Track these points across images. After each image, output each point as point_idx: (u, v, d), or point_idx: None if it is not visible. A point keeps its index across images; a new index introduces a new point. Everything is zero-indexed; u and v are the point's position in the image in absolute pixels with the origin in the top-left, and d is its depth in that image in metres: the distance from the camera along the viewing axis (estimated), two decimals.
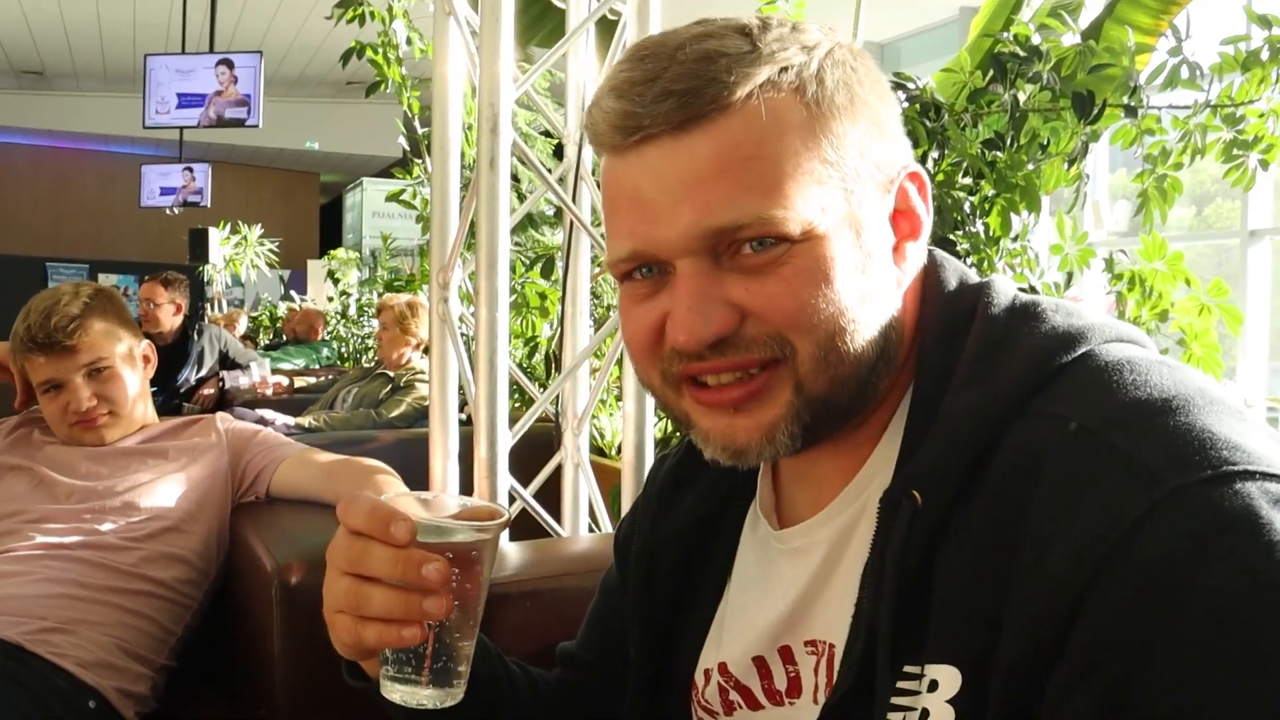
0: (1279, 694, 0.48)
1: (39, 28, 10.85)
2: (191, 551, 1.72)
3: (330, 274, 8.49)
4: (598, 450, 2.79)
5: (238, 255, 9.57)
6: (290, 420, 3.64)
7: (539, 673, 0.96)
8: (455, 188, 1.74)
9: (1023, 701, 0.56)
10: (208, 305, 9.50)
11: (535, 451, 1.83)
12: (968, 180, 1.84)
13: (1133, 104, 1.84)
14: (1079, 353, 0.63)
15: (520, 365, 3.06)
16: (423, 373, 3.86)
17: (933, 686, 0.60)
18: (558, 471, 1.80)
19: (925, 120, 1.80)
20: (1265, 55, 1.79)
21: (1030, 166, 1.83)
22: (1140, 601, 0.51)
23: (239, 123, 7.47)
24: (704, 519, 0.85)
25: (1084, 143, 1.83)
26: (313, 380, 5.14)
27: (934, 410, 0.65)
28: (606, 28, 1.97)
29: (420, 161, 3.66)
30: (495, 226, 1.56)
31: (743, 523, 0.83)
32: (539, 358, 3.08)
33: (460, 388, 1.76)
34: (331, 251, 9.03)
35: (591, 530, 1.83)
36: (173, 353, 4.64)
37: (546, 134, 3.54)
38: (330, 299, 8.32)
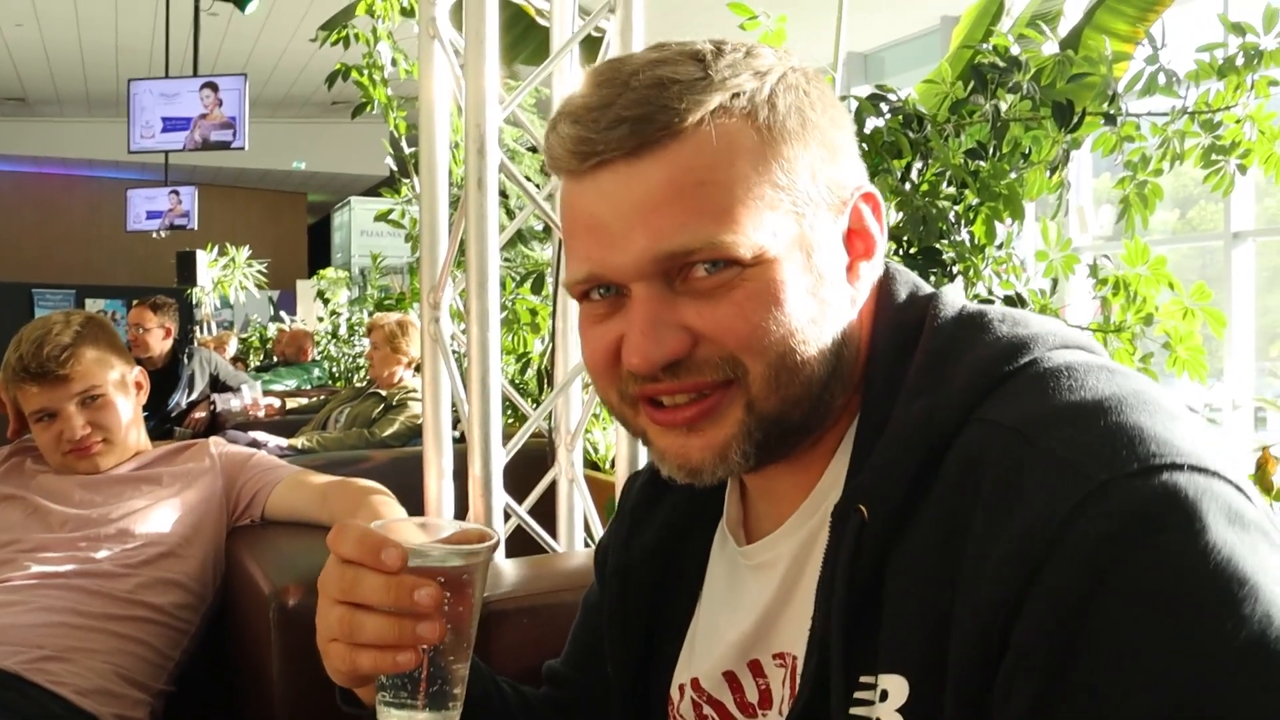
0: (1196, 677, 0.49)
1: (20, 53, 10.84)
2: (188, 576, 1.72)
3: (320, 294, 8.48)
4: (592, 465, 2.79)
5: (226, 277, 9.55)
6: (283, 442, 3.64)
7: (530, 690, 0.97)
8: (444, 207, 1.76)
9: (976, 705, 0.57)
10: (197, 328, 9.47)
11: (529, 468, 1.84)
12: (951, 190, 1.86)
13: (1112, 111, 1.86)
14: (1023, 361, 0.64)
15: (512, 381, 3.07)
16: (415, 391, 3.86)
17: (884, 696, 0.61)
18: (552, 487, 1.81)
19: (908, 131, 1.82)
20: (1240, 61, 1.81)
21: (1013, 175, 1.85)
22: (1071, 589, 0.53)
23: (225, 145, 7.49)
24: (674, 536, 0.86)
25: (1065, 150, 1.85)
26: (305, 401, 5.14)
27: (883, 423, 0.66)
28: (591, 45, 1.99)
29: (408, 181, 3.67)
30: (485, 246, 1.57)
31: (712, 539, 0.84)
32: (531, 373, 3.09)
33: (453, 405, 1.77)
34: (320, 271, 9.03)
35: (587, 545, 1.84)
36: (163, 377, 4.63)
37: (533, 149, 3.55)
38: (320, 319, 8.30)
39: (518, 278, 3.35)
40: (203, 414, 4.69)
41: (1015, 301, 1.86)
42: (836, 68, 2.48)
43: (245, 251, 9.63)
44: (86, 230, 14.92)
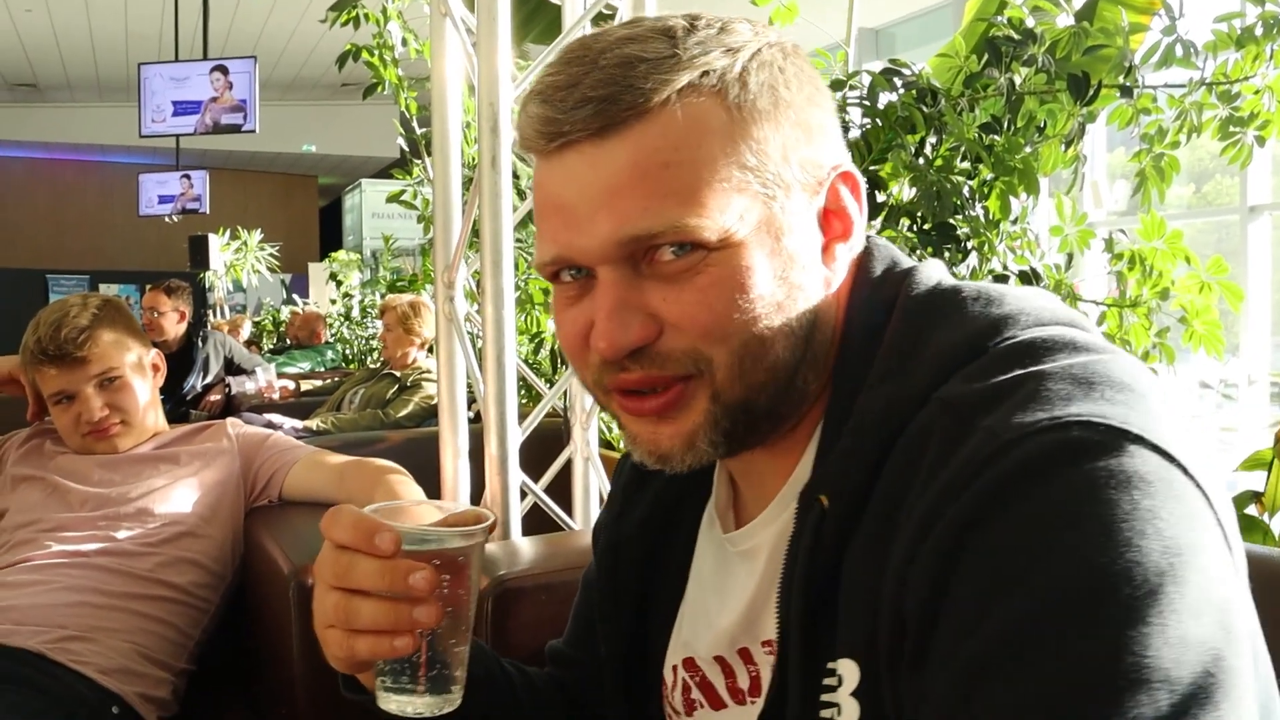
0: (1034, 613, 0.49)
1: (30, 39, 10.84)
2: (207, 556, 1.74)
3: (332, 276, 8.50)
4: (606, 444, 2.79)
5: (238, 261, 9.57)
6: (298, 423, 3.65)
7: (534, 671, 0.97)
8: (457, 187, 1.76)
9: (898, 676, 0.56)
10: (210, 312, 9.51)
11: (545, 446, 1.84)
12: (966, 164, 1.85)
13: (1128, 84, 1.85)
14: (993, 342, 0.62)
15: (526, 361, 3.07)
16: (429, 372, 3.87)
17: (841, 682, 0.62)
18: (568, 465, 1.82)
19: (922, 106, 1.81)
20: (1259, 31, 1.79)
21: (1028, 149, 1.84)
22: (956, 531, 0.53)
23: (235, 128, 7.48)
24: (664, 513, 0.85)
25: (1080, 124, 1.84)
26: (319, 383, 5.16)
27: (851, 408, 0.65)
28: (602, 22, 1.98)
29: (419, 162, 3.66)
30: (499, 225, 1.57)
31: (700, 519, 0.84)
32: (545, 353, 3.09)
33: (469, 386, 1.78)
34: (332, 254, 9.03)
35: None
36: (178, 361, 4.65)
37: None
38: (333, 301, 8.32)
39: (530, 258, 3.35)
40: (218, 397, 4.71)
41: (1030, 276, 1.85)
42: (849, 43, 2.46)
43: (257, 235, 9.65)
44: (99, 216, 14.97)
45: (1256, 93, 1.84)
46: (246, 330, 8.51)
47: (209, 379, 4.89)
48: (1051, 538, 0.50)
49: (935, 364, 0.62)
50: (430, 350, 4.01)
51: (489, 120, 1.56)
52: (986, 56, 1.85)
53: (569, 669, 0.98)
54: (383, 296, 5.64)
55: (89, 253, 14.67)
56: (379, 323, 4.52)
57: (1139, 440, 0.52)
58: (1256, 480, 1.58)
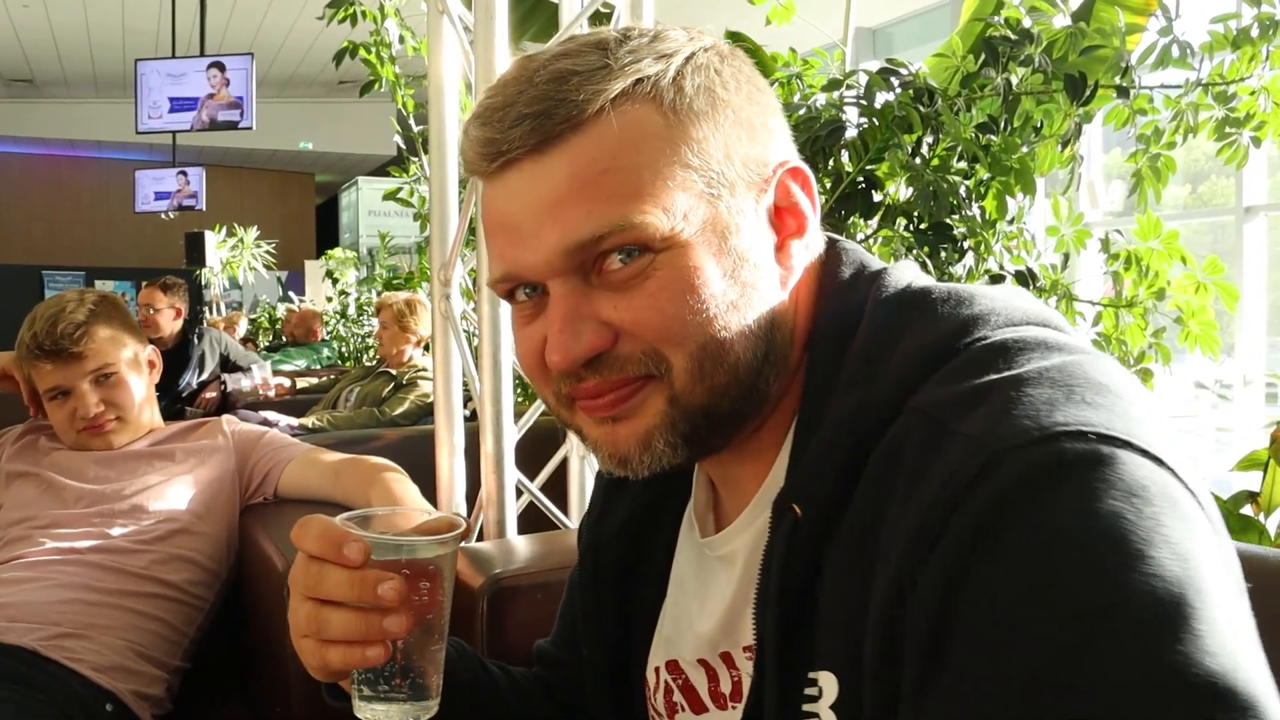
0: (1054, 638, 0.47)
1: (26, 35, 10.82)
2: (202, 553, 1.74)
3: (328, 274, 8.49)
4: None
5: (234, 258, 9.56)
6: (294, 421, 3.65)
7: (519, 671, 0.97)
8: (453, 185, 1.75)
9: (887, 694, 0.55)
10: (206, 309, 9.50)
11: (541, 445, 1.84)
12: (963, 164, 1.85)
13: (1124, 84, 1.85)
14: (964, 342, 0.61)
15: None
16: (425, 370, 3.87)
17: (821, 694, 0.61)
18: (564, 464, 1.82)
19: (919, 106, 1.81)
20: (1255, 32, 1.80)
21: (1024, 149, 1.84)
22: (955, 560, 0.51)
23: (232, 125, 7.47)
24: (644, 515, 0.85)
25: (1077, 124, 1.84)
26: (314, 381, 5.15)
27: (823, 413, 0.64)
28: (600, 20, 1.98)
29: (416, 159, 3.66)
30: None
31: (681, 522, 0.83)
32: None
33: (464, 384, 1.77)
34: (329, 251, 9.03)
35: None
36: (173, 357, 4.64)
37: None
38: (329, 299, 8.31)
39: None
40: (213, 394, 4.71)
41: (1026, 276, 1.85)
42: (846, 43, 2.46)
43: (254, 232, 9.64)
44: (95, 212, 14.95)
45: (1252, 94, 1.84)
46: (242, 327, 8.49)
47: (204, 376, 4.88)
48: (1063, 564, 0.48)
49: (905, 367, 0.61)
50: (426, 348, 4.01)
51: None
52: (983, 56, 1.85)
53: (555, 669, 0.97)
54: (379, 294, 5.64)
55: (85, 249, 14.65)
56: (375, 320, 4.51)
57: (1127, 445, 0.51)
58: (1252, 480, 1.59)
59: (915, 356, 0.62)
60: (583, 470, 1.77)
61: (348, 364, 6.85)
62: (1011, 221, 1.88)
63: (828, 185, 1.85)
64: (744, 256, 0.66)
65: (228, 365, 5.01)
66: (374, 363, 4.39)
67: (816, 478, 0.62)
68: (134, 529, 1.69)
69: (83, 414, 1.76)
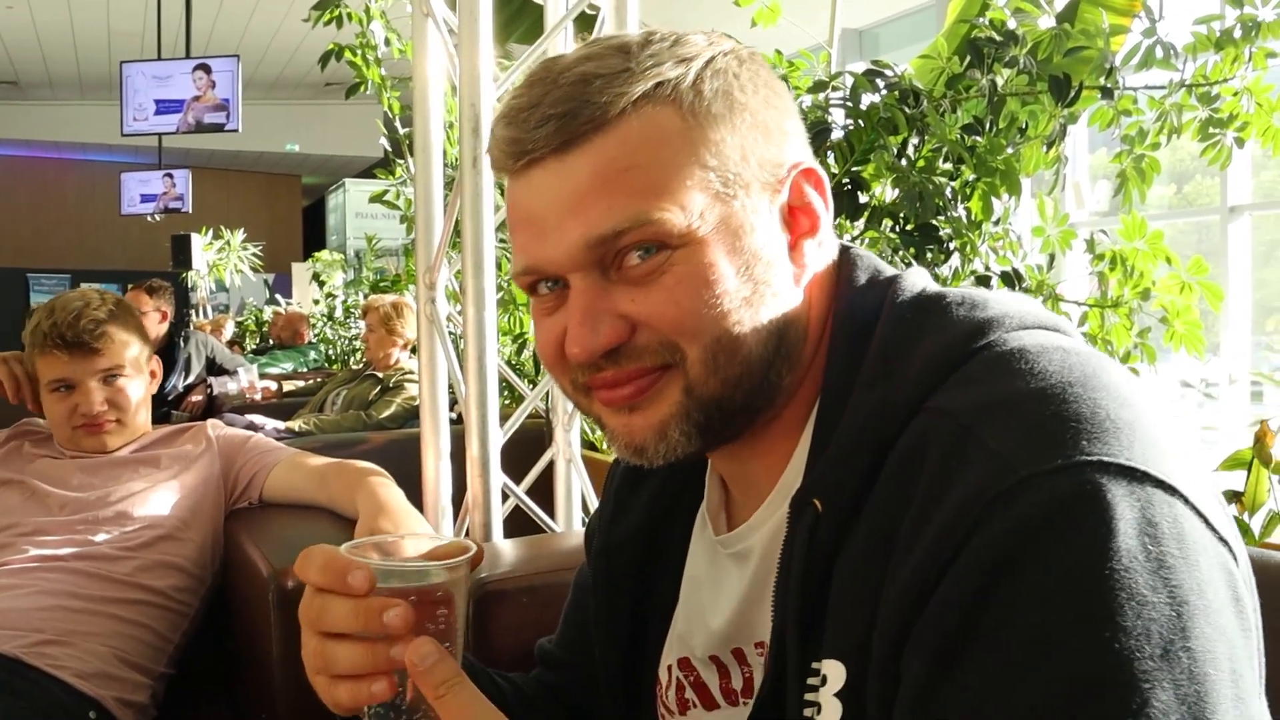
0: (1061, 680, 0.50)
1: (10, 36, 10.76)
2: (186, 559, 1.72)
3: (315, 276, 8.46)
4: (589, 445, 2.79)
5: (221, 260, 9.52)
6: (280, 424, 3.64)
7: (521, 678, 0.97)
8: (439, 187, 1.75)
9: (893, 691, 0.57)
10: (192, 312, 9.45)
11: (527, 448, 1.84)
12: (948, 165, 1.85)
13: (1109, 85, 1.85)
14: (979, 345, 0.63)
15: (509, 362, 3.07)
16: (411, 373, 3.86)
17: (825, 681, 0.62)
18: (550, 467, 1.81)
19: (905, 107, 1.81)
20: (1238, 34, 1.80)
21: (1010, 150, 1.84)
22: (973, 580, 0.53)
23: (218, 127, 7.45)
24: (657, 518, 0.86)
25: (1062, 125, 1.84)
26: (301, 384, 5.13)
27: (841, 412, 0.66)
28: (585, 23, 1.98)
29: (402, 162, 3.65)
30: (480, 226, 1.56)
31: (694, 522, 0.84)
32: (527, 354, 3.08)
33: (450, 387, 1.77)
34: (316, 254, 8.99)
35: (585, 524, 1.84)
36: (159, 361, 4.62)
37: None
38: (316, 301, 8.28)
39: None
40: (199, 397, 4.69)
41: (1012, 277, 1.86)
42: (832, 44, 2.46)
43: (240, 235, 9.60)
44: (81, 214, 14.86)
45: (1235, 94, 1.85)
46: (229, 330, 8.46)
47: (191, 379, 4.86)
48: (1069, 604, 0.51)
49: (924, 368, 0.63)
50: (413, 351, 3.99)
51: (470, 121, 1.55)
52: (969, 58, 1.85)
53: (560, 671, 0.97)
54: (366, 297, 5.62)
55: (70, 252, 14.56)
56: (362, 323, 4.50)
57: (1145, 478, 0.53)
58: (1237, 480, 1.59)
59: (933, 357, 0.63)
60: (569, 474, 1.77)
61: (335, 367, 6.83)
62: (997, 222, 1.88)
63: None
64: (758, 254, 0.68)
65: (214, 368, 4.99)
66: (360, 366, 4.37)
67: (840, 473, 0.64)
68: (118, 535, 1.68)
69: (85, 410, 1.76)
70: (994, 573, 0.53)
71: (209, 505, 1.79)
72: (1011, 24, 1.86)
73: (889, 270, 0.74)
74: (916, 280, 0.71)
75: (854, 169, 1.82)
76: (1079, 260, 1.99)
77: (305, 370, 6.57)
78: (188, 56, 7.76)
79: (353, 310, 7.31)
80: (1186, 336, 1.82)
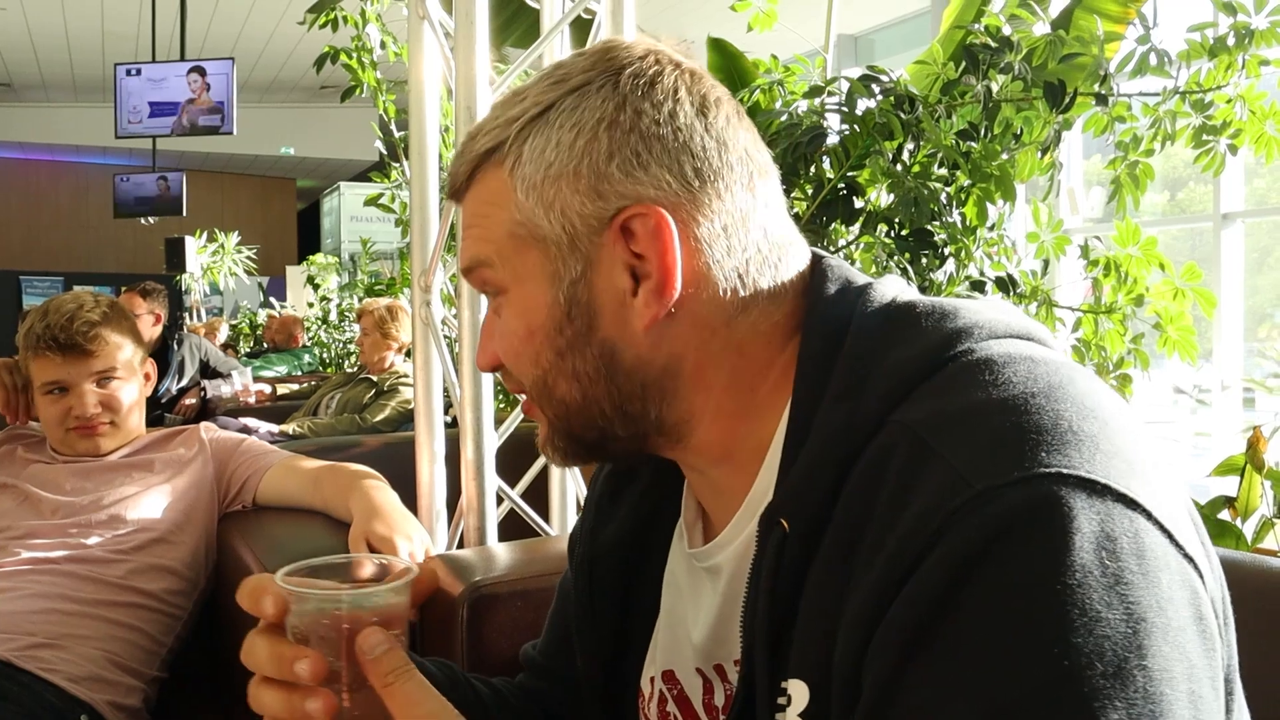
0: (1005, 694, 0.49)
1: (4, 38, 10.73)
2: (179, 562, 1.72)
3: (310, 279, 8.45)
4: None
5: (215, 263, 9.49)
6: (274, 428, 3.63)
7: (504, 684, 0.97)
8: (434, 191, 1.75)
9: (855, 705, 0.57)
10: (187, 315, 9.43)
11: (522, 452, 1.83)
12: (943, 171, 1.86)
13: (1103, 92, 1.86)
14: (948, 355, 0.62)
15: None
16: (406, 376, 3.85)
17: (790, 701, 0.62)
18: (545, 471, 1.81)
19: (900, 112, 1.81)
20: (1231, 41, 1.81)
21: (1004, 156, 1.85)
22: (931, 595, 0.52)
23: (213, 130, 7.43)
24: (639, 528, 0.85)
25: (1056, 131, 1.85)
26: (295, 387, 5.12)
27: (810, 424, 0.65)
28: (581, 27, 1.98)
29: (398, 165, 3.65)
30: None
31: (673, 532, 0.84)
32: None
33: (445, 390, 1.77)
34: (310, 257, 8.98)
35: None
36: (153, 363, 4.61)
37: None
38: (310, 305, 8.27)
39: None
40: (193, 400, 4.67)
41: (1006, 282, 1.86)
42: (828, 49, 2.46)
43: (234, 237, 9.58)
44: (74, 217, 14.83)
45: (1229, 101, 1.85)
46: (223, 333, 8.44)
47: (184, 382, 4.85)
48: (1021, 618, 0.50)
49: (891, 381, 0.62)
50: (408, 354, 3.99)
51: (466, 123, 1.55)
52: (964, 64, 1.85)
53: (543, 677, 0.97)
54: (360, 300, 5.61)
55: (63, 254, 14.53)
56: (356, 327, 4.49)
57: (1105, 492, 0.52)
58: (1229, 485, 1.60)
59: (900, 370, 0.62)
60: (564, 478, 1.77)
61: (329, 370, 6.81)
62: (992, 228, 1.89)
63: (809, 191, 1.86)
64: (584, 304, 0.69)
65: (208, 371, 4.98)
66: (355, 369, 4.37)
67: (804, 492, 0.63)
68: (111, 538, 1.67)
69: (79, 413, 1.76)
70: (949, 586, 0.52)
71: (202, 508, 1.78)
72: (1006, 30, 1.86)
73: (861, 279, 0.72)
74: (887, 290, 0.70)
75: (849, 174, 1.83)
76: (1073, 266, 1.99)
77: (299, 374, 6.55)
78: (182, 59, 7.75)
79: (347, 314, 7.31)
80: (1180, 343, 1.83)
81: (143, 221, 9.68)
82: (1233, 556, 0.95)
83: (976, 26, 1.89)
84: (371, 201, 4.07)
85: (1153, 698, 0.49)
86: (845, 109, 1.85)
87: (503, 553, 1.46)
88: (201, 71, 7.46)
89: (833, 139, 1.86)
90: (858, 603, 0.56)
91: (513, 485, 1.72)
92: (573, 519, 1.82)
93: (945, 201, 1.84)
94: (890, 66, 1.93)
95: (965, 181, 1.84)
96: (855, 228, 1.88)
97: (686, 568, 0.80)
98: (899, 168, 1.82)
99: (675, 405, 0.71)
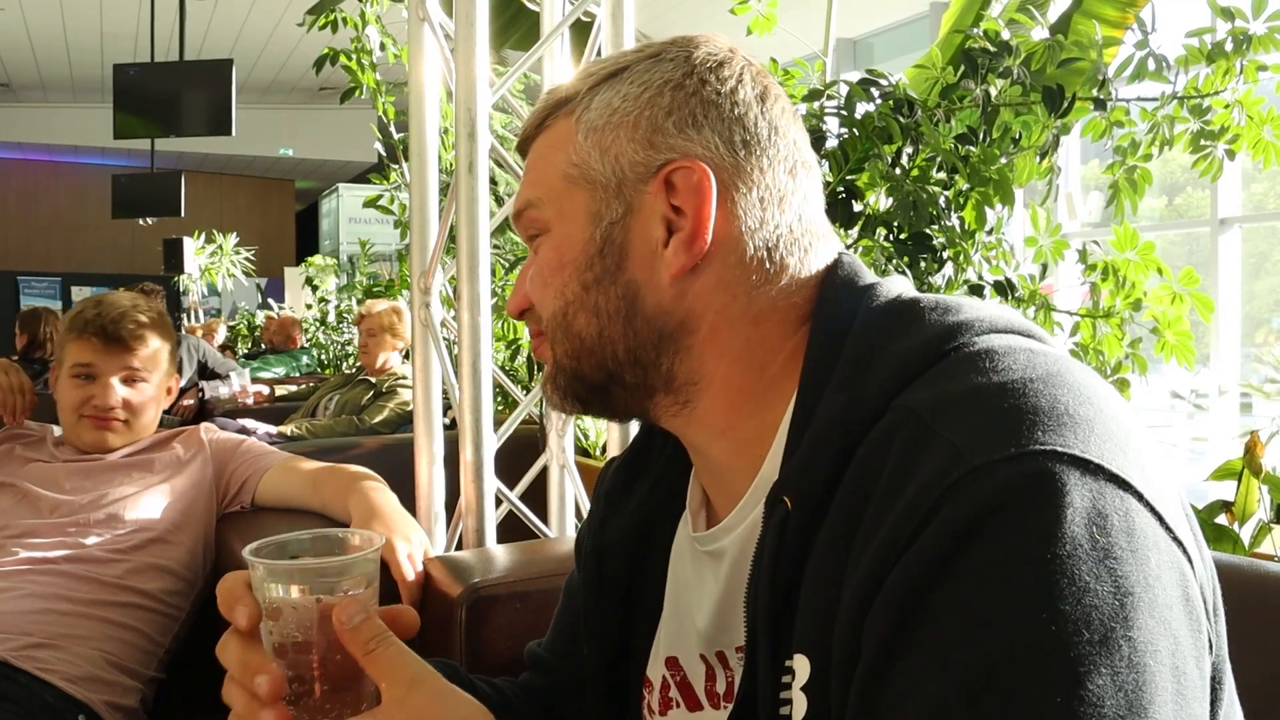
0: (991, 662, 0.51)
1: (2, 39, 10.73)
2: (178, 562, 1.72)
3: (308, 281, 8.44)
4: (582, 451, 2.79)
5: (213, 264, 9.49)
6: (272, 429, 3.63)
7: (507, 685, 0.97)
8: (434, 192, 1.75)
9: (856, 695, 0.57)
10: (184, 316, 9.43)
11: (520, 454, 1.84)
12: (942, 175, 1.86)
13: (1101, 97, 1.87)
14: (949, 347, 0.64)
15: (502, 367, 3.07)
16: (404, 378, 3.86)
17: (794, 677, 0.63)
18: (543, 473, 1.81)
19: (899, 116, 1.82)
20: (1229, 47, 1.82)
21: (1003, 160, 1.85)
22: (927, 565, 0.54)
23: (212, 131, 7.42)
24: (648, 520, 0.86)
25: (1055, 136, 1.85)
26: (293, 389, 5.12)
27: (813, 412, 0.67)
28: (581, 30, 1.98)
29: (397, 167, 3.65)
30: (475, 231, 1.57)
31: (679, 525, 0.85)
32: (521, 360, 3.08)
33: (444, 392, 1.77)
34: (309, 258, 8.98)
35: (578, 530, 1.83)
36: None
37: None
38: (308, 306, 8.26)
39: (507, 264, 3.35)
40: (191, 401, 4.67)
41: (1005, 286, 1.86)
42: (827, 53, 2.47)
43: (233, 238, 9.58)
44: (72, 217, 14.81)
45: (1227, 107, 1.86)
46: (221, 334, 8.43)
47: (182, 383, 4.85)
48: (1013, 585, 0.52)
49: (893, 369, 0.64)
50: (406, 355, 3.99)
51: (466, 125, 1.55)
52: (963, 68, 1.86)
53: (548, 675, 0.98)
54: (359, 302, 5.61)
55: (61, 254, 14.52)
56: (355, 328, 4.50)
57: (1099, 471, 0.54)
58: (1227, 490, 1.60)
59: (903, 359, 0.64)
60: (562, 479, 1.77)
61: (327, 371, 6.81)
62: (990, 232, 1.89)
63: None
64: (619, 246, 0.73)
65: (206, 372, 4.98)
66: (353, 370, 4.37)
67: (808, 471, 0.64)
68: (109, 538, 1.67)
69: (100, 402, 1.79)
70: (945, 556, 0.53)
71: (201, 509, 1.78)
72: (1005, 35, 1.87)
73: (869, 277, 0.75)
74: (893, 286, 0.72)
75: (848, 177, 1.83)
76: (1071, 270, 2.00)
77: (297, 375, 6.55)
78: (181, 59, 7.74)
79: (346, 315, 7.30)
80: (1177, 347, 1.83)
81: (141, 222, 9.67)
82: (1230, 561, 0.95)
83: (975, 31, 1.90)
84: (370, 203, 4.07)
85: (1137, 667, 0.50)
86: (844, 112, 1.86)
87: (501, 554, 1.47)
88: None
89: (832, 142, 1.86)
90: (858, 575, 0.58)
91: (511, 487, 1.73)
92: (571, 521, 1.82)
93: (944, 205, 1.85)
94: (889, 70, 1.94)
95: (964, 185, 1.85)
96: (854, 231, 1.89)
97: (690, 554, 0.81)
98: (898, 171, 1.82)
99: (687, 362, 0.73)
